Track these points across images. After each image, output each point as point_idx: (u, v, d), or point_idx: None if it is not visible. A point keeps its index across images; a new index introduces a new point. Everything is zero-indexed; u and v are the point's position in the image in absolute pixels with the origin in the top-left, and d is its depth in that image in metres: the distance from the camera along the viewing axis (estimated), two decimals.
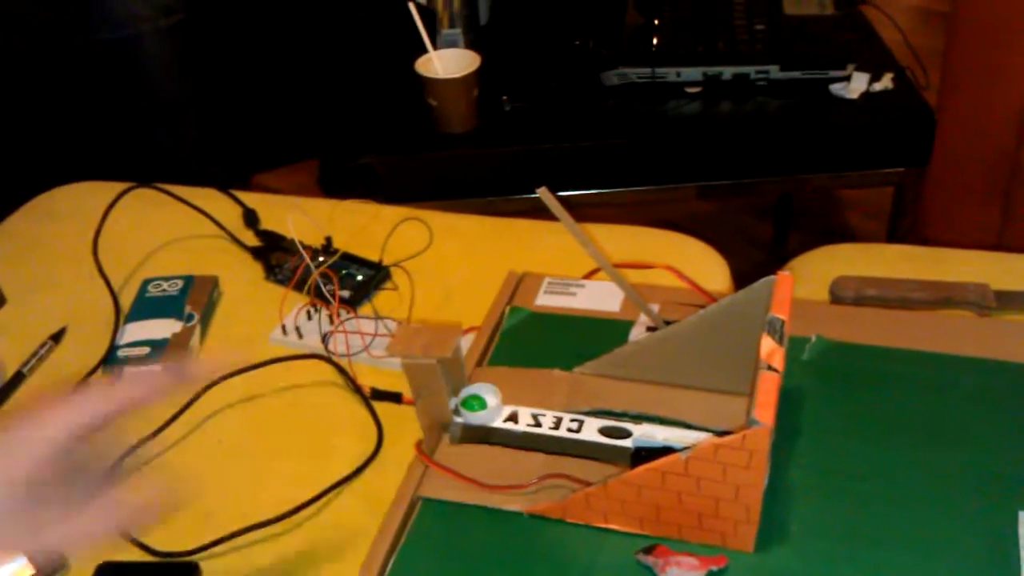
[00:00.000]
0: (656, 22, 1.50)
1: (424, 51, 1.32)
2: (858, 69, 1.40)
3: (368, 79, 1.53)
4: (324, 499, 0.71)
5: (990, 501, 0.60)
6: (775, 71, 1.39)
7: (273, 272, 0.94)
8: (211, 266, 0.95)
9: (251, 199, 1.02)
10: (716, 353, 0.65)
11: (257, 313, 0.89)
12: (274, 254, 0.96)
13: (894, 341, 0.72)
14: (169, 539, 0.69)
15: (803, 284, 0.85)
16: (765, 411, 0.52)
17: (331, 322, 0.86)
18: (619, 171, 1.40)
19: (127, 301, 0.91)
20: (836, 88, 1.39)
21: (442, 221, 0.98)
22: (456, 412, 0.67)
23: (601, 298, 0.79)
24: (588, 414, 0.67)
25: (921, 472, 0.62)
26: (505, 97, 1.42)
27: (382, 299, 0.89)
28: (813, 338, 0.72)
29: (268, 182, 2.05)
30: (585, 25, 1.51)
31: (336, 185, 1.47)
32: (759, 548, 0.58)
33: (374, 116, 1.46)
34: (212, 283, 0.93)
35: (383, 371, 0.79)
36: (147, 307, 0.90)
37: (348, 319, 0.85)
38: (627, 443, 0.64)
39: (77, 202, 1.07)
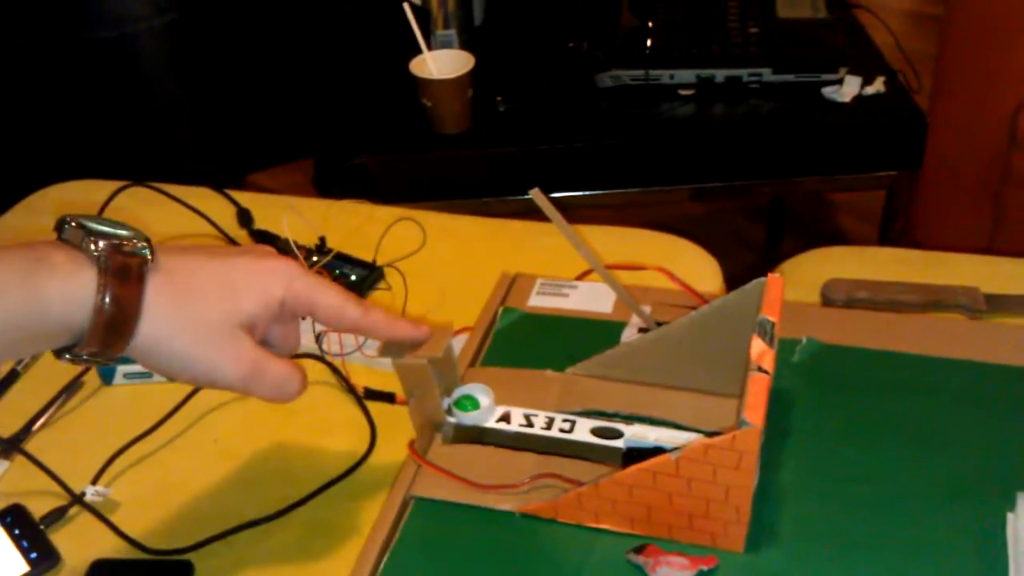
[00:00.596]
0: (650, 24, 1.50)
1: (418, 51, 1.33)
2: (850, 72, 1.40)
3: (363, 79, 1.54)
4: (317, 498, 0.71)
5: (979, 502, 0.60)
6: (768, 74, 1.39)
7: None
8: None
9: (245, 198, 1.02)
10: (707, 354, 0.66)
11: None
12: None
13: (884, 344, 0.72)
14: (162, 537, 0.69)
15: (795, 286, 0.85)
16: (755, 412, 0.53)
17: None
18: (612, 173, 1.41)
19: None
20: (828, 91, 1.39)
21: (436, 221, 0.98)
22: (449, 412, 0.67)
23: (593, 299, 0.79)
24: (580, 415, 0.67)
25: (910, 473, 0.63)
26: (499, 98, 1.42)
27: (376, 299, 0.89)
28: (803, 340, 0.73)
29: (262, 181, 2.05)
30: (579, 27, 1.52)
31: (330, 185, 1.47)
32: (749, 549, 0.59)
33: (368, 116, 1.46)
34: None
35: (376, 371, 0.79)
36: None
37: None
38: (619, 443, 0.65)
39: (71, 200, 1.07)
